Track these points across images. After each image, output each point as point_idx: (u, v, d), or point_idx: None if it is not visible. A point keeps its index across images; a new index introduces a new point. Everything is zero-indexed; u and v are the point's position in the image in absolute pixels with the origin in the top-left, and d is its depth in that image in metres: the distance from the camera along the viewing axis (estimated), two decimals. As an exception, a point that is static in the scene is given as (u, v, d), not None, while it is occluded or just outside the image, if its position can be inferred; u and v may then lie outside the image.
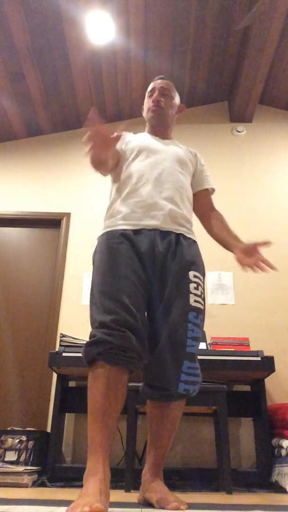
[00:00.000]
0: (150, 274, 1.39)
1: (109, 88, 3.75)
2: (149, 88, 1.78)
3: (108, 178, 1.70)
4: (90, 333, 1.28)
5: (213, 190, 1.80)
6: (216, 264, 3.38)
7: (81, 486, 1.09)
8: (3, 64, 3.30)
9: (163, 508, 1.23)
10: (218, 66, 3.79)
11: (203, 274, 1.49)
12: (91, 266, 3.36)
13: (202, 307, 1.42)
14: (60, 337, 2.71)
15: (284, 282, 3.33)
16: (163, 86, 1.74)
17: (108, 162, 1.49)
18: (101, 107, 3.93)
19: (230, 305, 3.23)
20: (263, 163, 3.88)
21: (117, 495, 1.79)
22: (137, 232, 1.42)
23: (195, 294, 1.40)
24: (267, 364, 2.51)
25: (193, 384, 1.35)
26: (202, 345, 2.75)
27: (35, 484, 2.26)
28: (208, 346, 2.82)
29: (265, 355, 2.57)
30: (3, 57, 3.25)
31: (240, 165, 3.87)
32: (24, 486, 2.14)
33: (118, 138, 1.32)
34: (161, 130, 1.75)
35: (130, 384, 2.24)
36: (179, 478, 2.40)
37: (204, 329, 2.96)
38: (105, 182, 3.73)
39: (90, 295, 1.39)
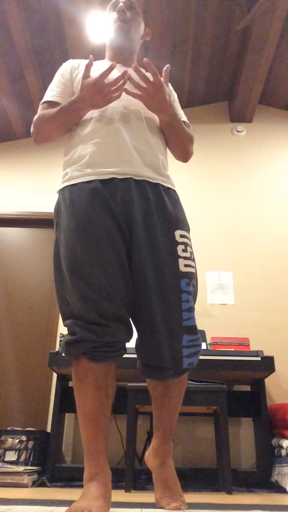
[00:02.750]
0: (127, 236, 1.19)
1: (109, 88, 3.74)
2: (112, 1, 1.50)
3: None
4: (68, 324, 1.14)
5: (188, 124, 1.56)
6: (216, 264, 3.37)
7: (81, 486, 1.07)
8: (3, 64, 3.30)
9: (163, 507, 1.20)
10: (218, 66, 3.79)
11: (189, 230, 1.29)
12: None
13: (194, 270, 1.23)
14: (60, 337, 2.71)
15: (284, 282, 3.33)
16: (128, 1, 1.48)
17: (71, 126, 1.34)
18: (101, 107, 3.93)
19: (230, 305, 3.23)
20: (263, 163, 3.88)
21: (117, 495, 1.79)
22: (107, 182, 1.20)
23: (185, 258, 1.21)
24: (267, 364, 2.51)
25: (196, 355, 1.21)
26: (202, 345, 2.75)
27: (35, 484, 2.26)
28: (208, 346, 2.82)
29: (265, 355, 2.57)
30: (3, 57, 3.25)
31: (240, 165, 3.87)
32: (24, 486, 2.14)
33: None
34: (126, 56, 1.48)
35: (130, 384, 2.24)
36: (179, 478, 2.40)
37: (204, 329, 2.96)
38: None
39: (54, 265, 1.21)
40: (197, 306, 3.47)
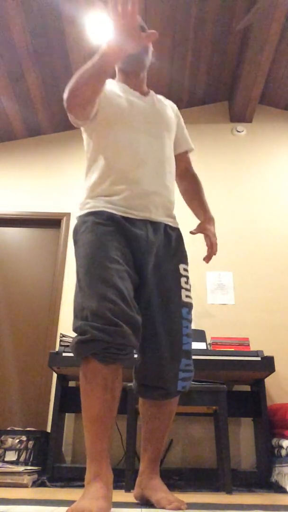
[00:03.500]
0: (142, 262, 1.28)
1: (109, 88, 3.74)
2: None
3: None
4: (79, 325, 1.13)
5: (192, 149, 1.64)
6: (216, 264, 3.38)
7: (82, 486, 1.10)
8: (3, 64, 3.30)
9: (163, 508, 1.21)
10: (218, 66, 3.79)
11: (188, 265, 1.44)
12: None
13: (192, 301, 1.38)
14: (60, 337, 2.71)
15: (284, 282, 3.33)
16: (140, 24, 1.41)
17: (101, 88, 1.23)
18: (101, 107, 3.93)
19: (230, 305, 3.23)
20: (263, 163, 3.88)
21: (117, 495, 1.79)
22: (126, 218, 1.30)
23: (186, 289, 1.35)
24: (267, 364, 2.51)
25: (189, 379, 1.34)
26: (202, 345, 2.75)
27: (35, 484, 2.26)
28: (208, 346, 2.82)
29: (265, 355, 2.57)
30: (3, 57, 3.25)
31: (240, 165, 3.87)
32: (24, 486, 2.14)
33: (151, 37, 1.08)
34: (137, 80, 1.47)
35: (130, 384, 2.24)
36: (179, 478, 2.40)
37: (204, 329, 2.96)
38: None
39: (76, 281, 1.24)
40: (197, 306, 3.50)
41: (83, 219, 1.31)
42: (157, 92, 1.73)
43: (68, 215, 3.63)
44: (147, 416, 1.38)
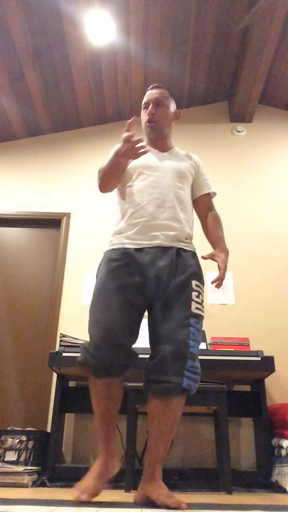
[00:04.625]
0: (150, 286, 1.51)
1: (109, 88, 3.75)
2: (144, 100, 1.81)
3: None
4: (80, 348, 1.47)
5: (214, 193, 1.84)
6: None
7: None
8: (3, 64, 3.30)
9: (163, 502, 1.26)
10: (218, 66, 3.79)
11: (203, 284, 1.60)
12: (91, 266, 3.37)
13: (202, 313, 1.53)
14: (60, 337, 2.71)
15: (284, 282, 3.33)
16: (157, 98, 1.77)
17: (119, 176, 1.64)
18: (101, 107, 3.93)
19: (230, 305, 3.23)
20: (263, 163, 3.88)
21: (117, 495, 1.79)
22: (139, 250, 1.55)
23: (197, 302, 1.51)
24: (267, 364, 2.51)
25: (195, 382, 1.44)
26: (202, 345, 2.75)
27: (35, 484, 2.26)
28: (208, 346, 2.82)
29: (265, 355, 2.57)
30: (3, 57, 3.25)
31: (240, 165, 3.87)
32: (24, 486, 2.14)
33: (143, 152, 1.49)
34: (159, 142, 1.80)
35: (130, 384, 2.24)
36: (179, 478, 2.40)
37: (204, 329, 2.96)
38: (105, 182, 3.73)
39: (91, 305, 1.54)
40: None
41: (104, 255, 1.61)
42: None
43: (68, 215, 3.63)
44: (152, 416, 1.43)
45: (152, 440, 1.42)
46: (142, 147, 1.48)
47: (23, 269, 3.52)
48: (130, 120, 1.52)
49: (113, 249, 1.58)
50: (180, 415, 1.46)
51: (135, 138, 1.49)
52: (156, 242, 1.55)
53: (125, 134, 1.49)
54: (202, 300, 1.55)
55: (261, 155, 3.92)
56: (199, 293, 1.54)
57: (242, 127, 4.05)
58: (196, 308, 1.49)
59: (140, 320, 1.53)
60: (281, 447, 2.38)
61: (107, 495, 1.76)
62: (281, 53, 3.63)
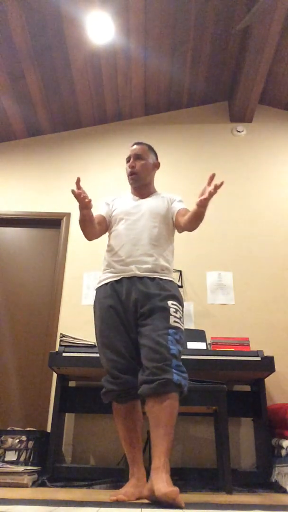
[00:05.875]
0: (131, 309, 1.74)
1: (109, 88, 3.75)
2: (128, 154, 2.08)
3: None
4: (102, 381, 1.74)
5: (185, 209, 1.98)
6: (216, 264, 3.38)
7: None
8: (3, 64, 3.30)
9: (160, 490, 1.33)
10: (218, 66, 3.79)
11: (182, 305, 1.81)
12: (91, 266, 3.38)
13: (180, 327, 1.71)
14: (60, 337, 2.71)
15: (284, 282, 3.33)
16: (136, 153, 2.04)
17: (93, 225, 1.89)
18: (101, 107, 3.93)
19: (230, 305, 3.23)
20: (263, 163, 3.88)
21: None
22: (118, 281, 1.81)
23: (175, 316, 1.70)
24: (267, 364, 2.51)
25: (184, 379, 1.57)
26: (202, 345, 2.75)
27: (35, 484, 2.26)
28: (208, 346, 2.82)
29: (265, 355, 2.57)
30: (3, 57, 3.25)
31: (240, 165, 3.87)
32: (24, 486, 2.14)
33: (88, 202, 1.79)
34: (141, 189, 2.07)
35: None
36: (179, 478, 2.40)
37: (204, 329, 2.97)
38: (105, 183, 3.73)
39: (96, 341, 1.83)
40: (197, 306, 3.49)
41: (96, 292, 1.90)
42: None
43: (68, 215, 3.63)
44: (151, 413, 1.53)
45: (154, 433, 1.51)
46: (86, 197, 1.77)
47: (23, 269, 3.52)
48: (76, 180, 1.77)
49: (100, 286, 1.87)
50: (177, 412, 1.54)
51: (81, 194, 1.76)
52: (131, 273, 1.80)
53: (74, 193, 1.74)
54: (181, 316, 1.75)
55: (261, 155, 3.92)
56: (176, 310, 1.73)
57: (242, 127, 4.04)
58: (174, 321, 1.68)
59: (137, 338, 1.72)
60: (281, 447, 2.38)
61: (107, 495, 1.76)
62: (281, 53, 3.63)
